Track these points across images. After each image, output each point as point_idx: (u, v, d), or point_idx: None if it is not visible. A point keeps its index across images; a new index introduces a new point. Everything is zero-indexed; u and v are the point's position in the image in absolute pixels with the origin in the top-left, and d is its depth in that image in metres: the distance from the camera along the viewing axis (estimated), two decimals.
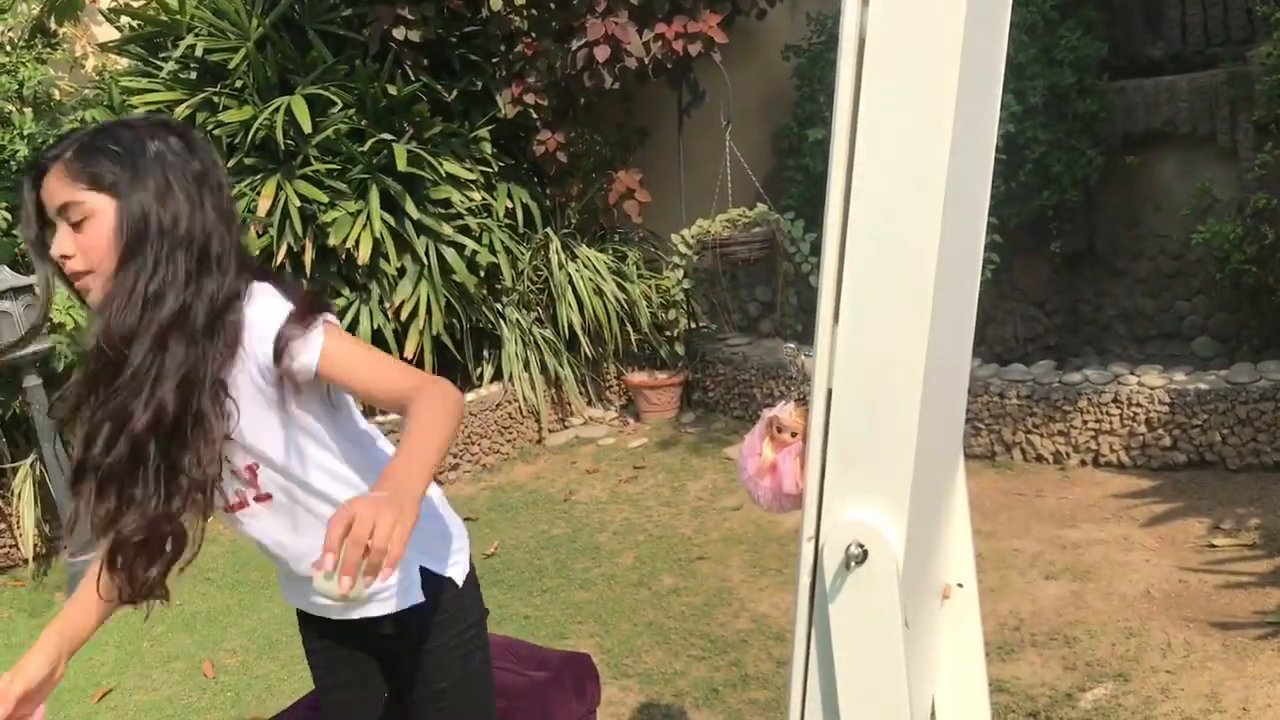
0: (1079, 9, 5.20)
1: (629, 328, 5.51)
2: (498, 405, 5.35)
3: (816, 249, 5.24)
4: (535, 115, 5.13)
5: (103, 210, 1.46)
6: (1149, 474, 4.21)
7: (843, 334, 1.38)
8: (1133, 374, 4.33)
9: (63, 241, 1.47)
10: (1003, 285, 5.67)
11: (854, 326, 1.37)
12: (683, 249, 5.24)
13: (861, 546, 1.41)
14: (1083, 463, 4.36)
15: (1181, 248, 5.33)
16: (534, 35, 5.14)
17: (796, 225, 5.10)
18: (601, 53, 4.79)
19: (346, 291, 4.98)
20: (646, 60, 4.97)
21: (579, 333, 5.40)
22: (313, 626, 1.80)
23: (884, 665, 1.45)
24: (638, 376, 5.59)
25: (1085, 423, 4.31)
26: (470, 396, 5.31)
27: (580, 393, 5.63)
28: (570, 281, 5.35)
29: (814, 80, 5.76)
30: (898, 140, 1.31)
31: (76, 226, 1.47)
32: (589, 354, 5.53)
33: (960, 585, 1.97)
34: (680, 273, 5.30)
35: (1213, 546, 3.64)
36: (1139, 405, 4.19)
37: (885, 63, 1.29)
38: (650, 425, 5.54)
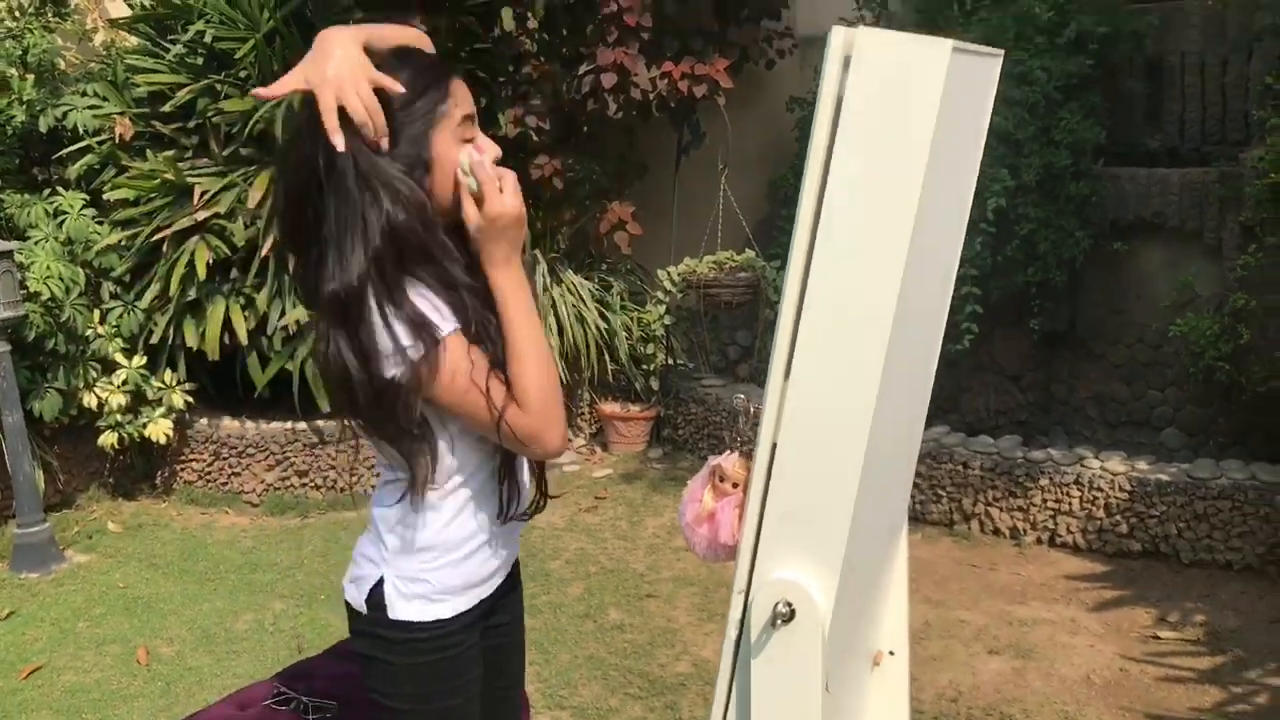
0: (1082, 93, 5.25)
1: (606, 357, 5.51)
2: None
3: None
4: (536, 138, 5.15)
5: None
6: (1103, 559, 4.23)
7: (792, 391, 1.39)
8: (1096, 458, 4.36)
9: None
10: (980, 356, 5.70)
11: (804, 384, 1.38)
12: (668, 285, 5.26)
13: (789, 605, 1.41)
14: (1039, 540, 4.38)
15: (1159, 338, 5.37)
16: (542, 59, 5.17)
17: (781, 274, 5.13)
18: (608, 79, 4.82)
19: None
20: (651, 95, 5.01)
21: (557, 358, 5.40)
22: (476, 626, 1.76)
23: None
24: (610, 407, 5.59)
25: (1045, 501, 4.33)
26: None
27: None
28: (553, 306, 5.36)
29: None
30: (865, 205, 1.33)
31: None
32: (564, 380, 5.52)
33: (892, 653, 1.97)
34: (663, 308, 5.32)
35: (1157, 638, 3.65)
36: (1100, 489, 4.21)
37: (861, 128, 1.31)
38: (617, 457, 5.53)
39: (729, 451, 1.50)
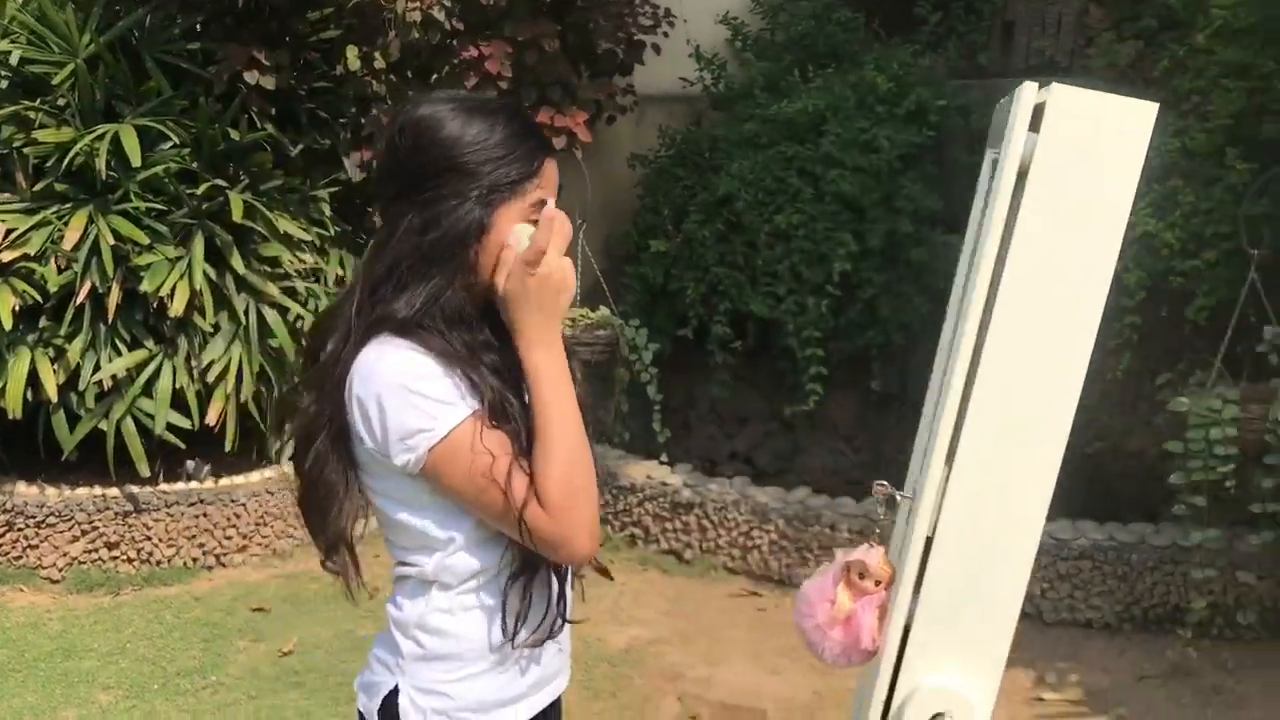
0: (919, 163, 5.44)
1: None
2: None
3: (658, 359, 5.18)
4: None
5: None
6: None
7: (956, 480, 1.27)
8: None
9: None
10: (816, 418, 5.76)
11: (972, 473, 1.26)
12: None
13: (949, 718, 1.28)
14: None
15: None
16: (389, 102, 4.91)
17: (640, 333, 5.03)
18: None
19: (150, 343, 4.51)
20: None
21: None
22: None
23: None
24: None
25: None
26: (269, 473, 4.88)
27: None
28: None
29: (659, 193, 5.76)
30: (1052, 276, 1.23)
31: None
32: None
33: None
34: None
35: (1041, 700, 3.72)
36: None
37: (1052, 191, 1.21)
38: None
39: (867, 545, 1.36)
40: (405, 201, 1.45)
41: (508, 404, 1.42)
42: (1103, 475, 5.19)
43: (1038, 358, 1.23)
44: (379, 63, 4.82)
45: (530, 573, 1.46)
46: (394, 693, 1.50)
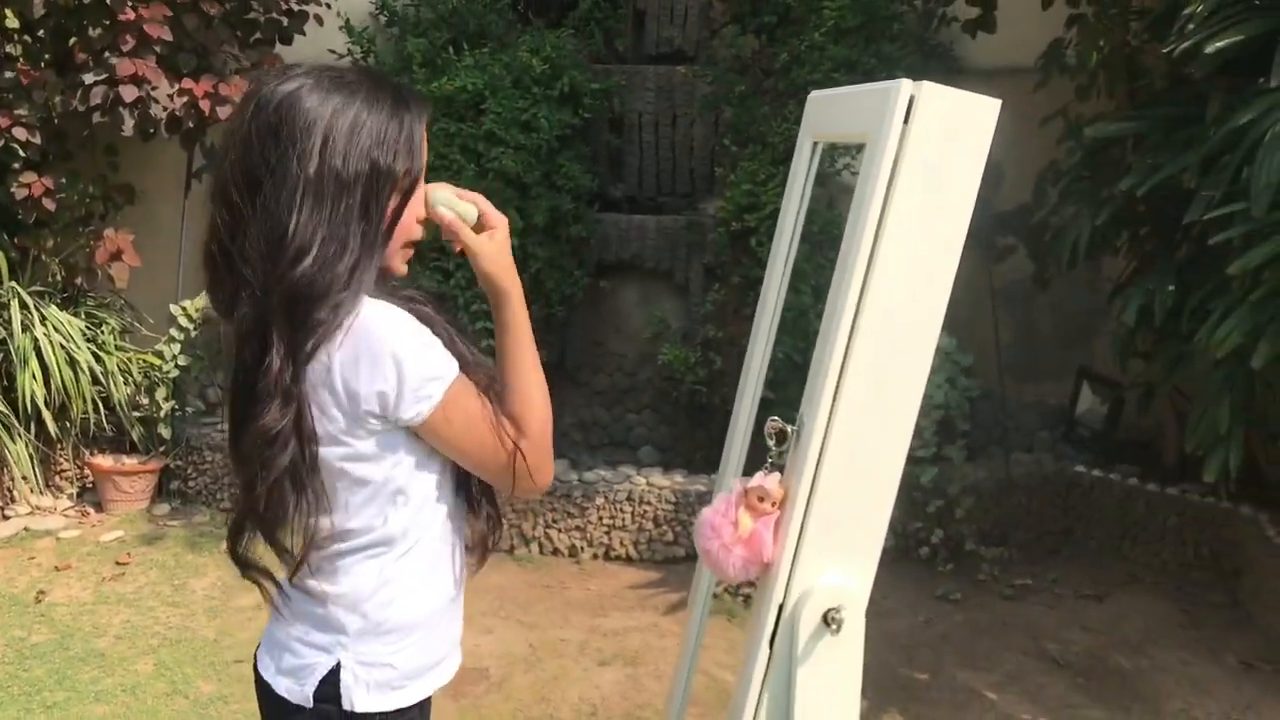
0: (574, 143, 5.71)
1: (100, 404, 4.88)
2: None
3: None
4: (23, 152, 4.44)
5: None
6: (654, 566, 4.65)
7: (842, 407, 1.49)
8: (639, 474, 4.77)
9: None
10: None
11: (853, 409, 1.49)
12: (183, 321, 4.80)
13: (840, 611, 1.51)
14: (595, 556, 4.69)
15: (635, 366, 5.98)
16: (28, 64, 4.48)
17: None
18: (129, 93, 4.30)
19: None
20: (164, 113, 4.57)
21: (42, 408, 4.67)
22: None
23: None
24: (105, 461, 4.94)
25: (601, 519, 4.65)
26: None
27: (26, 477, 4.84)
28: (36, 348, 4.63)
29: None
30: (918, 243, 1.47)
31: None
32: (54, 433, 4.79)
33: None
34: (178, 347, 4.84)
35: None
36: (649, 503, 4.63)
37: (921, 173, 1.46)
38: (119, 517, 4.91)
39: (761, 473, 1.55)
40: (277, 184, 1.36)
41: (468, 354, 1.52)
42: None
43: (904, 319, 1.48)
44: (11, 21, 4.39)
45: (464, 508, 1.58)
46: (334, 670, 1.49)
